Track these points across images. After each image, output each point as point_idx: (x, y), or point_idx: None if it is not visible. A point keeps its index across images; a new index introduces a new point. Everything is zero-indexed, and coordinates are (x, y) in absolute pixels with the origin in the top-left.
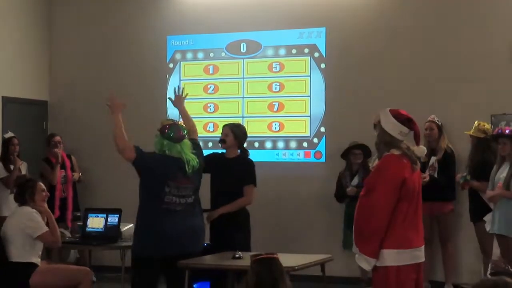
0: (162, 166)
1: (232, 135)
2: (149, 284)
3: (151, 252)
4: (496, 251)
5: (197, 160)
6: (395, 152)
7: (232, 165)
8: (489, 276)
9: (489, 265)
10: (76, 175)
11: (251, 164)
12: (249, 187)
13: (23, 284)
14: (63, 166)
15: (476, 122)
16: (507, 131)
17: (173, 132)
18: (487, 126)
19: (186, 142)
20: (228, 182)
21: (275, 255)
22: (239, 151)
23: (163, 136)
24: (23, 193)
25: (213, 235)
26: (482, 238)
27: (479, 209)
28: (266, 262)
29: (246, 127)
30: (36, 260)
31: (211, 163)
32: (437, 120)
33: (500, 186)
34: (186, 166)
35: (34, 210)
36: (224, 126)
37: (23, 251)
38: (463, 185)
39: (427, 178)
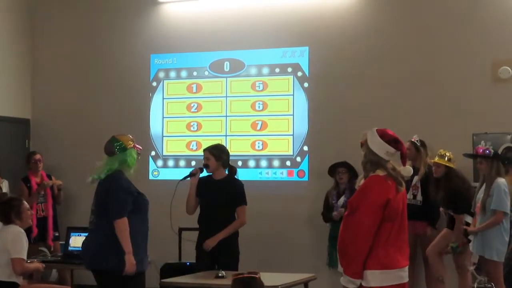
0: None
1: (213, 158)
2: None
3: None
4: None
5: (97, 175)
6: (380, 173)
7: (222, 186)
8: None
9: (475, 283)
10: (57, 182)
11: (240, 184)
12: (242, 208)
13: None
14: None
15: (441, 150)
16: (480, 151)
17: (105, 145)
18: (449, 154)
19: (117, 156)
20: (220, 204)
21: (256, 275)
22: (226, 171)
23: None
24: (8, 212)
25: (200, 255)
26: (455, 259)
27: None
28: (246, 281)
29: (229, 146)
30: (18, 279)
31: (199, 187)
32: (417, 140)
33: (478, 206)
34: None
35: (22, 231)
36: (204, 150)
37: (6, 270)
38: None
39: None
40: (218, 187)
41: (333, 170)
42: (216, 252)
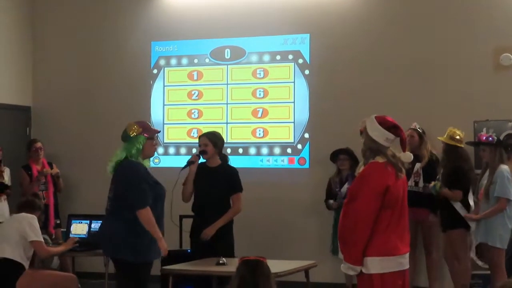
0: None
1: (211, 144)
2: None
3: None
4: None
5: (112, 165)
6: (380, 159)
7: (217, 174)
8: None
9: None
10: (54, 170)
11: (235, 171)
12: (237, 195)
13: (11, 282)
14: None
15: (449, 129)
16: (483, 138)
17: (123, 132)
18: (460, 133)
19: (123, 144)
20: (215, 192)
21: (262, 259)
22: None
23: None
24: (29, 208)
25: (195, 243)
26: (448, 247)
27: (448, 218)
28: (251, 264)
29: (229, 133)
30: (26, 263)
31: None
32: (418, 128)
33: (481, 193)
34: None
35: (35, 217)
36: (201, 136)
37: (16, 250)
38: (436, 194)
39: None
40: (213, 175)
41: (334, 156)
42: (211, 240)
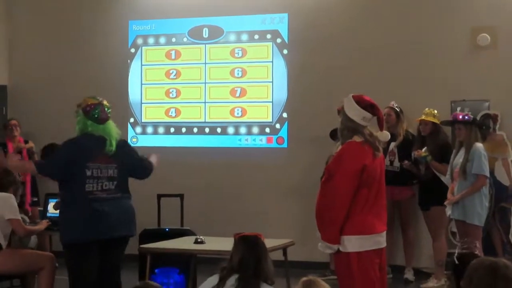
0: (79, 152)
1: None
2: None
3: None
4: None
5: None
6: (357, 139)
7: None
8: (454, 259)
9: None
10: (29, 145)
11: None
12: None
13: None
14: (19, 151)
15: (426, 109)
16: (460, 117)
17: (98, 113)
18: (434, 111)
19: (111, 122)
20: None
21: (259, 235)
22: None
23: (87, 116)
24: (6, 185)
25: None
26: (432, 224)
27: (433, 196)
28: (251, 240)
29: (208, 112)
30: (3, 242)
31: None
32: (396, 106)
33: (457, 171)
34: (108, 144)
35: (12, 196)
36: None
37: None
38: (425, 165)
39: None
40: None
41: (334, 134)
42: None
